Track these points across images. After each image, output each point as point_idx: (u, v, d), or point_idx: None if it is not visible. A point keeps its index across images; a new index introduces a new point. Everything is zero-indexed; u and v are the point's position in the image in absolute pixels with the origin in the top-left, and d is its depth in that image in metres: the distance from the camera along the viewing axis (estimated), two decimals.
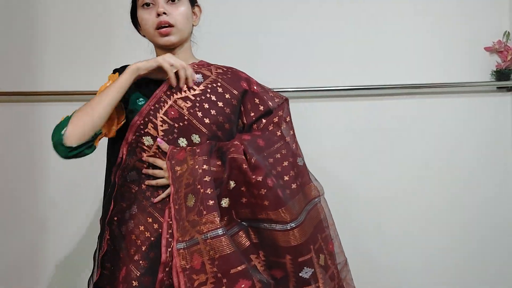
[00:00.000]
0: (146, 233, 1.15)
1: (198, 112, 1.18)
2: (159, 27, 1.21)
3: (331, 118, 1.94)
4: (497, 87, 1.94)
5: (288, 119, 1.33)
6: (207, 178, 1.10)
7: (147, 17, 1.22)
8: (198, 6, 1.33)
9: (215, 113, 1.20)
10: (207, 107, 1.19)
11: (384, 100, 1.94)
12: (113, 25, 1.89)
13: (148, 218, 1.16)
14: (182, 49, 1.29)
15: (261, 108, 1.29)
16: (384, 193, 1.93)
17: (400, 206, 1.94)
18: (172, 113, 1.17)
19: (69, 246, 1.94)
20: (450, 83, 1.90)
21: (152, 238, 1.14)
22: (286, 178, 1.18)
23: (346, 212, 1.83)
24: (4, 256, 1.94)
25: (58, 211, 1.93)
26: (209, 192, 1.09)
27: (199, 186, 1.10)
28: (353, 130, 1.93)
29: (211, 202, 1.07)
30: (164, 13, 1.20)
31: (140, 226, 1.16)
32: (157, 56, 1.31)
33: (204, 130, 1.18)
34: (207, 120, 1.19)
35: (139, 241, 1.15)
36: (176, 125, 1.17)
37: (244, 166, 1.12)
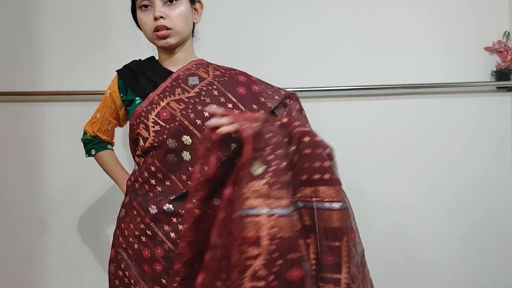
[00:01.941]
0: (130, 224, 1.21)
1: (190, 114, 1.18)
2: (157, 30, 1.21)
3: (331, 118, 1.94)
4: (497, 87, 1.94)
5: (304, 112, 1.31)
6: (282, 151, 1.03)
7: (145, 19, 1.22)
8: (199, 1, 1.30)
9: (208, 115, 1.18)
10: (200, 109, 1.18)
11: (384, 100, 1.93)
12: (112, 25, 1.89)
13: (133, 211, 1.21)
14: (182, 49, 1.28)
15: (269, 104, 1.25)
16: (384, 193, 1.93)
17: (400, 206, 1.94)
18: (164, 114, 1.18)
19: (68, 246, 1.94)
20: (450, 83, 1.90)
21: (136, 232, 1.19)
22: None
23: None
24: (3, 256, 1.94)
25: (57, 211, 1.93)
26: (283, 167, 1.01)
27: (273, 157, 1.01)
28: (353, 130, 1.93)
29: (285, 178, 1.01)
30: (162, 17, 1.19)
31: (126, 217, 1.23)
32: (159, 54, 1.32)
33: (195, 131, 1.17)
34: (198, 122, 1.17)
35: (126, 232, 1.22)
36: (168, 126, 1.17)
37: (318, 138, 1.06)
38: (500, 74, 1.89)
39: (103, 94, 1.76)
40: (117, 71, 1.32)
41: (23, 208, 1.93)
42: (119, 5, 1.87)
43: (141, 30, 1.31)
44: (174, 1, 1.21)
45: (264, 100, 1.25)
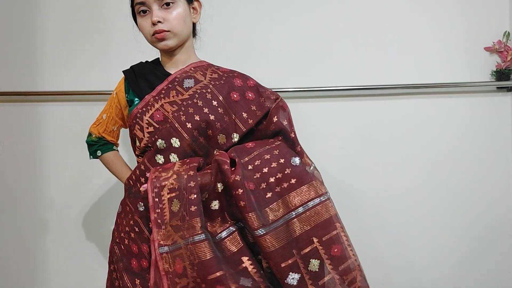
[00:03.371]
0: (124, 220, 1.24)
1: (181, 116, 1.19)
2: (155, 33, 1.22)
3: (331, 118, 1.94)
4: (497, 87, 1.94)
5: (285, 122, 1.27)
6: (191, 184, 1.11)
7: (144, 24, 1.23)
8: (197, 0, 1.31)
9: (198, 119, 1.19)
10: (192, 111, 1.19)
11: (384, 100, 1.93)
12: (112, 25, 1.89)
13: (127, 207, 1.24)
14: (182, 50, 1.29)
15: (258, 113, 1.26)
16: (384, 193, 1.93)
17: (400, 206, 1.94)
18: (158, 116, 1.20)
19: (68, 246, 1.94)
20: (450, 83, 1.90)
21: (127, 228, 1.22)
22: (271, 180, 1.15)
23: (345, 211, 1.82)
24: (4, 256, 1.94)
25: (58, 211, 1.93)
26: (193, 198, 1.10)
27: (184, 192, 1.11)
28: (353, 130, 1.93)
29: (193, 208, 1.09)
30: (159, 21, 1.20)
31: (122, 213, 1.26)
32: (160, 57, 1.34)
33: (184, 134, 1.18)
34: (189, 125, 1.19)
35: (120, 227, 1.25)
36: (160, 127, 1.19)
37: (225, 167, 1.13)
38: (500, 74, 1.89)
39: (103, 94, 1.78)
40: (123, 71, 1.34)
41: (23, 208, 1.93)
42: (119, 5, 1.88)
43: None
44: (170, 4, 1.22)
45: (254, 109, 1.26)
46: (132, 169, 1.40)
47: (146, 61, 1.35)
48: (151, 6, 1.21)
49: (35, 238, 1.93)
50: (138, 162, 1.28)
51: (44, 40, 1.90)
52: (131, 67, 1.34)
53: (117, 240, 1.24)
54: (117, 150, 1.43)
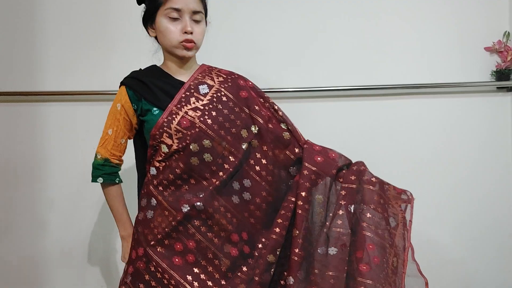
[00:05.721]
0: (162, 223, 1.28)
1: (207, 120, 1.29)
2: (184, 41, 1.30)
3: (331, 118, 1.94)
4: (497, 87, 1.94)
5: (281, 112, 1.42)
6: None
7: (173, 29, 1.30)
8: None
9: (222, 120, 1.31)
10: (215, 114, 1.30)
11: (385, 100, 1.94)
12: (113, 26, 1.89)
13: (165, 211, 1.27)
14: (191, 59, 1.37)
15: (267, 105, 1.40)
16: None
17: None
18: (185, 122, 1.28)
19: (69, 246, 1.94)
20: (450, 83, 1.90)
21: (166, 229, 1.26)
22: None
23: None
24: (4, 256, 1.94)
25: (58, 211, 1.93)
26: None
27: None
28: (353, 130, 1.93)
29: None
30: (191, 32, 1.29)
31: (158, 217, 1.29)
32: (164, 60, 1.38)
33: (213, 135, 1.29)
34: (215, 126, 1.29)
35: (156, 230, 1.28)
36: (189, 132, 1.28)
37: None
38: (500, 74, 1.89)
39: (103, 94, 1.78)
40: (123, 83, 1.35)
41: (23, 208, 1.93)
42: (119, 5, 1.88)
43: (149, 34, 1.34)
44: (199, 20, 1.32)
45: (262, 101, 1.40)
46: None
47: (141, 69, 1.38)
48: (185, 15, 1.29)
49: (35, 238, 1.94)
50: (158, 167, 1.30)
51: (45, 40, 1.90)
52: (131, 77, 1.35)
53: (152, 243, 1.27)
54: (119, 184, 1.38)
